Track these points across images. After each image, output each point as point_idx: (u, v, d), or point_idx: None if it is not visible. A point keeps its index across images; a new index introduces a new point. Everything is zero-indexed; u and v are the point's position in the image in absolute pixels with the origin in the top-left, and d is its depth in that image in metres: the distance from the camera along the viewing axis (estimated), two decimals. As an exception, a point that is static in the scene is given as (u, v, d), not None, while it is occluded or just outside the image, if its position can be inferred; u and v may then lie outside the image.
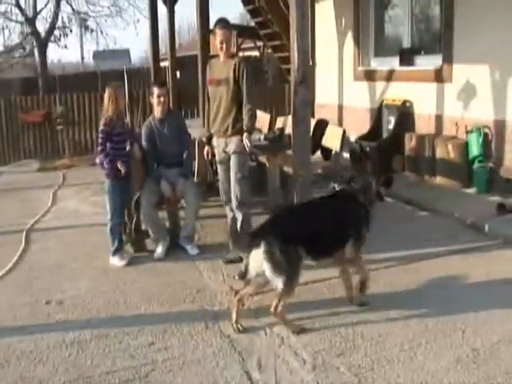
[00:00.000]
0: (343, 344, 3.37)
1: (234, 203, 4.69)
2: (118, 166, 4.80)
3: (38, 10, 19.04)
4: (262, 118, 7.69)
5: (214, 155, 4.94)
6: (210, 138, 4.92)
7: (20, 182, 9.06)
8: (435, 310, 3.74)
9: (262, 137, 5.91)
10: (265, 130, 7.22)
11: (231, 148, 4.66)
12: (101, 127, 4.91)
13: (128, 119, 4.86)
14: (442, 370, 3.07)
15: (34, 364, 3.31)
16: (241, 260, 4.24)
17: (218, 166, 4.89)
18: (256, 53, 17.99)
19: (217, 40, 4.59)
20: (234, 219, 4.79)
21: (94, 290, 4.36)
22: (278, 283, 3.42)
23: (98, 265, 4.92)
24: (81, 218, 6.46)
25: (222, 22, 4.61)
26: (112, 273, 4.71)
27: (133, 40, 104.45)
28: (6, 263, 5.00)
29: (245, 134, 4.57)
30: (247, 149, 4.60)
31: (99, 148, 4.91)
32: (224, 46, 4.58)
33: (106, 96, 4.90)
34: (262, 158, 6.19)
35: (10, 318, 3.93)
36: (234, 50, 4.51)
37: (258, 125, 7.57)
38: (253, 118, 4.61)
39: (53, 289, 4.40)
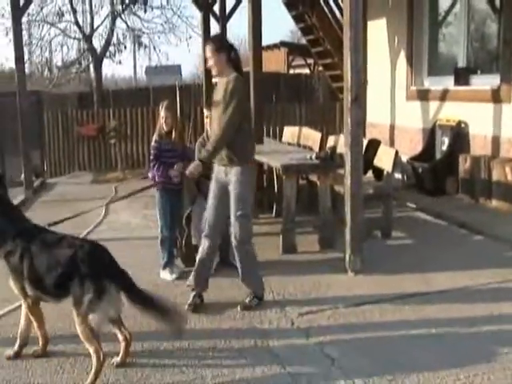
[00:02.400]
0: (395, 369, 3.29)
1: (232, 243, 4.22)
2: (170, 173, 4.89)
3: (95, 27, 19.72)
4: (313, 137, 7.69)
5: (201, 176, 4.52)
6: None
7: (74, 193, 9.35)
8: (483, 344, 3.61)
9: (314, 155, 5.90)
10: (315, 148, 7.21)
11: (231, 180, 4.14)
12: (153, 143, 5.05)
13: (175, 136, 4.93)
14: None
15: (86, 372, 3.36)
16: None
17: (211, 192, 4.32)
18: (306, 70, 18.07)
19: None
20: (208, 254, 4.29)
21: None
22: None
23: (148, 278, 4.94)
24: (132, 230, 6.61)
25: (209, 39, 4.31)
26: (162, 286, 4.76)
27: (185, 55, 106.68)
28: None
29: (193, 164, 4.16)
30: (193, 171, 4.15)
31: (151, 163, 5.05)
32: (210, 63, 4.15)
33: (159, 112, 5.02)
34: (313, 177, 6.19)
35: (64, 327, 4.02)
36: (227, 67, 4.23)
37: (308, 143, 7.61)
38: (214, 148, 4.04)
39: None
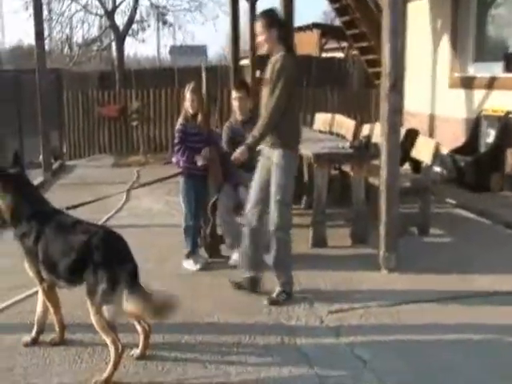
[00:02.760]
0: (431, 374, 3.26)
1: (270, 226, 4.28)
2: (196, 158, 4.92)
3: (117, 3, 19.78)
4: (346, 124, 7.64)
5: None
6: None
7: (94, 176, 9.48)
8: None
9: (347, 144, 5.85)
10: (349, 137, 7.15)
11: (273, 162, 4.20)
12: (178, 126, 5.07)
13: (201, 119, 4.96)
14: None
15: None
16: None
17: (257, 168, 4.43)
18: (340, 54, 17.90)
19: None
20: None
21: (169, 292, 4.45)
22: None
23: (170, 267, 5.04)
24: (154, 217, 6.67)
25: (260, 13, 4.31)
26: (185, 277, 4.81)
27: (211, 36, 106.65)
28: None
29: (240, 149, 4.20)
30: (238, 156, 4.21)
31: (176, 148, 5.08)
32: (260, 40, 4.20)
33: (185, 95, 5.04)
34: (346, 168, 6.14)
35: (82, 315, 4.07)
36: (277, 44, 4.21)
37: (341, 131, 7.56)
38: (260, 134, 4.10)
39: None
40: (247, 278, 4.47)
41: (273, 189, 4.17)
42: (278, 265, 4.32)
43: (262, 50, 4.26)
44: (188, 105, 5.01)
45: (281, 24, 4.21)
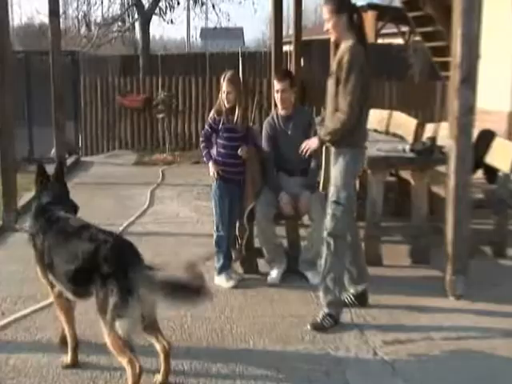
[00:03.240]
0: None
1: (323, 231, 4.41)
2: (240, 151, 4.99)
3: (143, -23, 19.96)
4: (406, 124, 7.56)
5: None
6: None
7: (113, 175, 9.63)
8: None
9: (407, 147, 5.79)
10: (409, 138, 7.08)
11: (335, 160, 4.35)
12: (208, 120, 5.14)
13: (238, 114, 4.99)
14: None
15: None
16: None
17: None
18: (399, 40, 17.78)
19: None
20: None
21: (195, 312, 4.44)
22: None
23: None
24: (182, 224, 6.73)
25: None
26: (217, 295, 4.77)
27: (249, 17, 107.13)
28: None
29: (313, 139, 4.45)
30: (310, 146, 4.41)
31: (201, 145, 5.16)
32: (327, 27, 4.26)
33: (221, 85, 5.07)
34: (406, 174, 6.09)
35: (96, 335, 4.12)
36: (346, 31, 4.25)
37: (399, 132, 7.49)
38: (336, 130, 4.21)
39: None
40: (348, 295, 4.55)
41: (331, 189, 4.28)
42: (325, 281, 4.31)
43: (331, 37, 4.34)
44: (223, 97, 5.03)
45: (351, 9, 4.24)
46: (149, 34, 19.19)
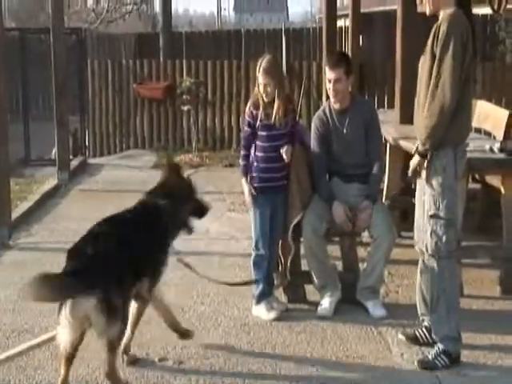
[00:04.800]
0: None
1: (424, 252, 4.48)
2: (283, 153, 5.00)
3: None
4: (495, 116, 7.49)
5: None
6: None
7: (127, 181, 9.71)
8: None
9: (497, 146, 5.74)
10: (498, 134, 7.01)
11: (431, 168, 4.36)
12: (245, 116, 5.13)
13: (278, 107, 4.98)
14: None
15: None
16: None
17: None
18: (485, 10, 17.56)
19: None
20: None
21: (229, 350, 4.51)
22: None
23: (234, 314, 5.10)
24: (212, 242, 6.79)
25: None
26: (255, 329, 4.83)
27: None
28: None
29: (414, 158, 4.37)
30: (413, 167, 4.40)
31: (242, 151, 5.14)
32: None
33: (257, 75, 5.08)
34: (494, 180, 6.03)
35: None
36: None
37: (486, 126, 7.42)
38: (432, 130, 4.21)
39: (170, 342, 4.60)
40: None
41: (428, 201, 4.30)
42: (436, 316, 4.34)
43: (426, 10, 4.34)
44: (261, 90, 5.04)
45: None
46: (171, 6, 19.38)
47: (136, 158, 11.71)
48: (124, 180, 9.88)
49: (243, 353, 4.48)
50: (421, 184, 4.46)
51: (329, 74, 5.24)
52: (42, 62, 10.03)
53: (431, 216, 4.27)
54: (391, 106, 8.93)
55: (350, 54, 9.89)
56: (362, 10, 10.98)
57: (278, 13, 37.66)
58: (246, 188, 5.09)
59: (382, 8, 16.22)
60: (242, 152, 5.16)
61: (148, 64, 12.68)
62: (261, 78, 5.01)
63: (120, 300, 3.87)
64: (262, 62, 5.03)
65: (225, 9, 38.44)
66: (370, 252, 5.26)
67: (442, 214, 4.25)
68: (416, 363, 4.27)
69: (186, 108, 12.03)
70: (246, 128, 5.14)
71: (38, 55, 12.10)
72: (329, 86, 5.26)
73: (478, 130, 7.45)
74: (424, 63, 4.31)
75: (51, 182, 9.28)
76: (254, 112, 5.06)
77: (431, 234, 4.29)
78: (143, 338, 4.66)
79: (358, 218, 5.15)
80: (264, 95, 5.02)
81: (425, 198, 4.33)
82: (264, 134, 5.05)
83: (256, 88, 5.12)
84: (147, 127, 12.54)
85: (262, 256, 5.10)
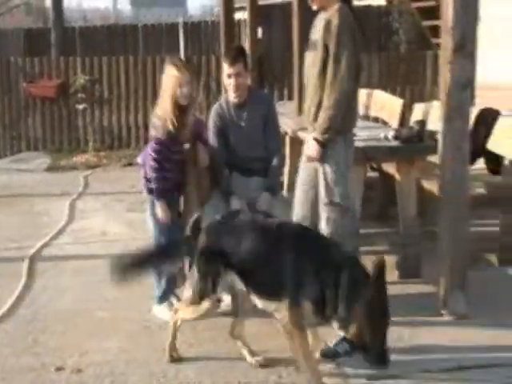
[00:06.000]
0: None
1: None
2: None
3: None
4: (390, 104, 7.67)
5: None
6: None
7: (20, 185, 9.55)
8: None
9: (391, 134, 5.88)
10: (394, 122, 7.19)
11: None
12: (153, 132, 5.00)
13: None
14: None
15: None
16: None
17: (298, 175, 5.03)
18: (380, 1, 17.97)
19: None
20: None
21: (130, 354, 4.51)
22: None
23: (135, 316, 5.09)
24: (111, 243, 6.73)
25: None
26: (157, 330, 4.84)
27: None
28: (-1, 307, 5.28)
29: (310, 145, 4.63)
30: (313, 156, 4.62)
31: (153, 173, 4.97)
32: None
33: (164, 79, 5.06)
34: (389, 167, 6.18)
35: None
36: None
37: (382, 115, 7.59)
38: (334, 116, 4.48)
39: (67, 349, 4.58)
40: None
41: (322, 189, 4.50)
42: None
43: (313, 6, 4.55)
44: (178, 93, 4.92)
45: None
46: (62, 1, 19.02)
47: (28, 161, 11.48)
48: (16, 183, 9.70)
49: (145, 355, 4.48)
50: (307, 174, 4.77)
51: (228, 70, 5.27)
52: None
53: (326, 204, 4.45)
54: (291, 98, 9.07)
55: (248, 46, 10.00)
56: (260, 3, 11.07)
57: (177, 7, 37.36)
58: (162, 209, 5.00)
59: (279, 0, 16.33)
60: (155, 174, 4.97)
61: (39, 61, 12.48)
62: (181, 77, 4.95)
63: None
64: (174, 61, 5.10)
65: (120, 3, 38.01)
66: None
67: (337, 200, 4.43)
68: (317, 354, 4.31)
69: (81, 107, 11.91)
70: (155, 155, 4.95)
71: None
72: (229, 81, 5.28)
73: (375, 119, 7.63)
74: (315, 56, 4.47)
75: None
76: (165, 134, 4.93)
77: (327, 222, 4.47)
78: (38, 348, 4.62)
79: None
80: (183, 98, 4.94)
81: (319, 187, 4.49)
82: (174, 149, 5.04)
83: (166, 95, 4.97)
84: (39, 128, 12.32)
85: (162, 257, 5.09)
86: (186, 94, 4.95)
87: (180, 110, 4.96)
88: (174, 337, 4.39)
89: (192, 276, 4.30)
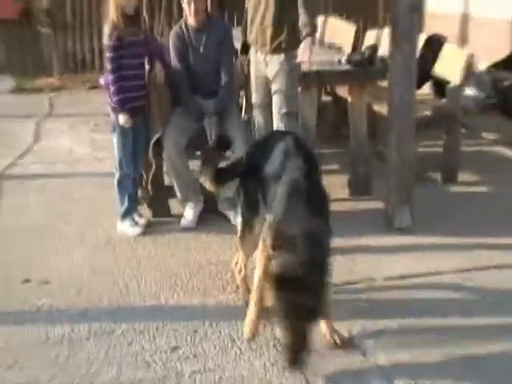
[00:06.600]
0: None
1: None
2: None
3: None
4: (343, 31, 7.64)
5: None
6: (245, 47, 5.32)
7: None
8: None
9: (344, 59, 5.88)
10: (347, 48, 7.17)
11: (272, 71, 4.84)
12: (106, 40, 4.89)
13: (146, 24, 4.86)
14: None
15: (6, 367, 3.45)
16: None
17: (253, 95, 5.19)
18: None
19: None
20: None
21: (94, 267, 4.53)
22: None
23: (99, 231, 5.11)
24: (76, 163, 6.71)
25: None
26: (120, 244, 4.87)
27: None
28: (-33, 223, 5.26)
29: (306, 39, 4.71)
30: (305, 63, 4.78)
31: (110, 76, 4.87)
32: None
33: None
34: (342, 91, 6.18)
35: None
36: None
37: (336, 41, 7.56)
38: (314, 13, 4.77)
39: (33, 262, 4.59)
40: None
41: (277, 102, 4.68)
42: None
43: None
44: (123, 2, 4.78)
45: None
46: None
47: (-7, 83, 11.26)
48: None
49: (109, 267, 4.52)
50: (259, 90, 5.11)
51: None
52: None
53: (285, 113, 4.64)
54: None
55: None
56: None
57: None
58: (124, 118, 4.91)
59: None
60: (112, 76, 4.86)
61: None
62: None
63: None
64: None
65: None
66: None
67: (296, 111, 4.72)
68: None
69: (44, 31, 11.59)
70: (109, 53, 4.86)
71: None
72: (187, 7, 5.19)
73: (330, 45, 7.58)
74: None
75: None
76: (116, 32, 4.84)
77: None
78: (5, 262, 4.61)
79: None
80: (126, 8, 4.81)
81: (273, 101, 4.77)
82: (127, 52, 4.91)
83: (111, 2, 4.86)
84: (3, 51, 11.89)
85: (125, 175, 5.09)
86: (130, 1, 4.83)
87: (128, 19, 4.83)
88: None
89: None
